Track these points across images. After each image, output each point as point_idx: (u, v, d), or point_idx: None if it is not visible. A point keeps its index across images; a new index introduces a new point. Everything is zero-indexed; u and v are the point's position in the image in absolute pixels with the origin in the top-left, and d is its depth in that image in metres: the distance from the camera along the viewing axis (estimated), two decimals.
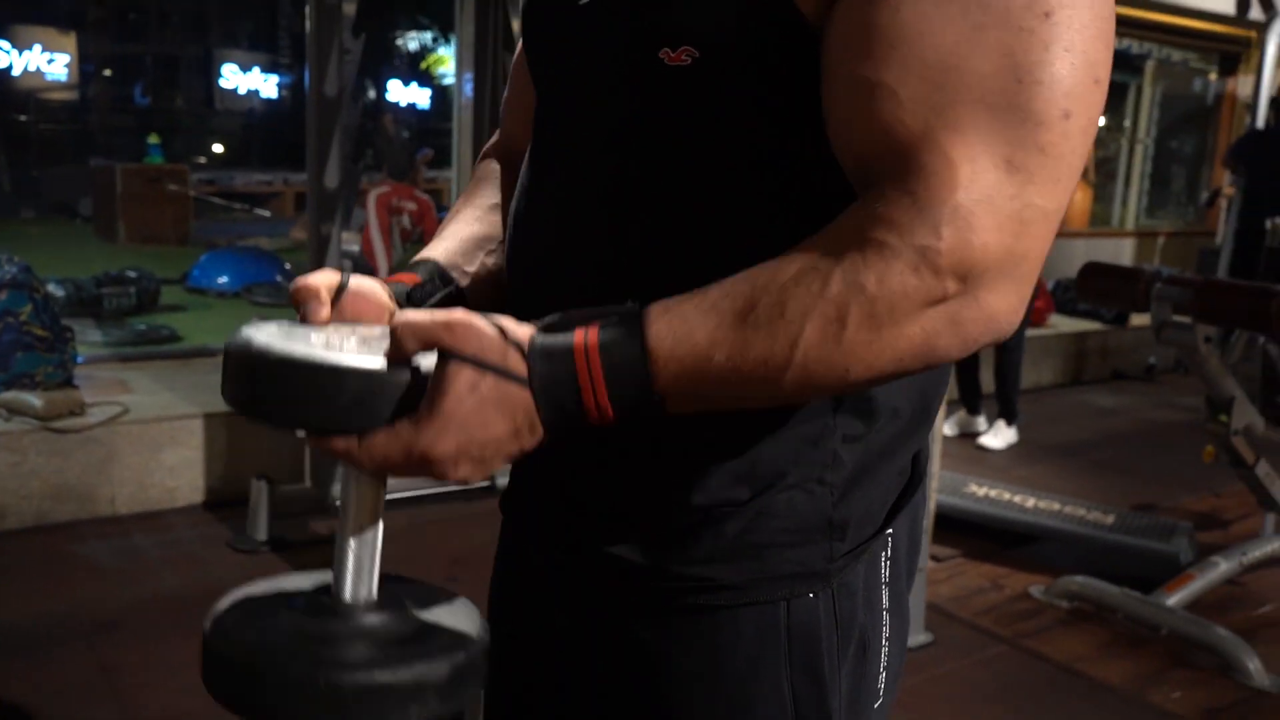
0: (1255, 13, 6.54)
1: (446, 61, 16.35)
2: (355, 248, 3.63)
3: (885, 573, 0.87)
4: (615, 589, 0.84)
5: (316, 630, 0.72)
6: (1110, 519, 3.51)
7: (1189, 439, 4.80)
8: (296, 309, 0.80)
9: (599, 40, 0.81)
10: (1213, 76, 8.19)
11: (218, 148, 14.60)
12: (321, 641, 0.72)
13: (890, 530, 0.86)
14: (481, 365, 0.67)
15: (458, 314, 0.68)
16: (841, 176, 0.70)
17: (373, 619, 0.74)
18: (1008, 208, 0.64)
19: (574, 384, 0.68)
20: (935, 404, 0.87)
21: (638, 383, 0.68)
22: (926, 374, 0.84)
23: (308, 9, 3.29)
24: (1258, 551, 3.31)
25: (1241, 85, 7.41)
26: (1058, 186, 0.66)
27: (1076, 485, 4.30)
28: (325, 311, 0.79)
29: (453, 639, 0.75)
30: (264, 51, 14.62)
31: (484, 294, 0.96)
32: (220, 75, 13.88)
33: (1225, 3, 6.52)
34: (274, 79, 14.54)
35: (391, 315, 0.83)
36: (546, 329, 0.70)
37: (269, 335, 0.70)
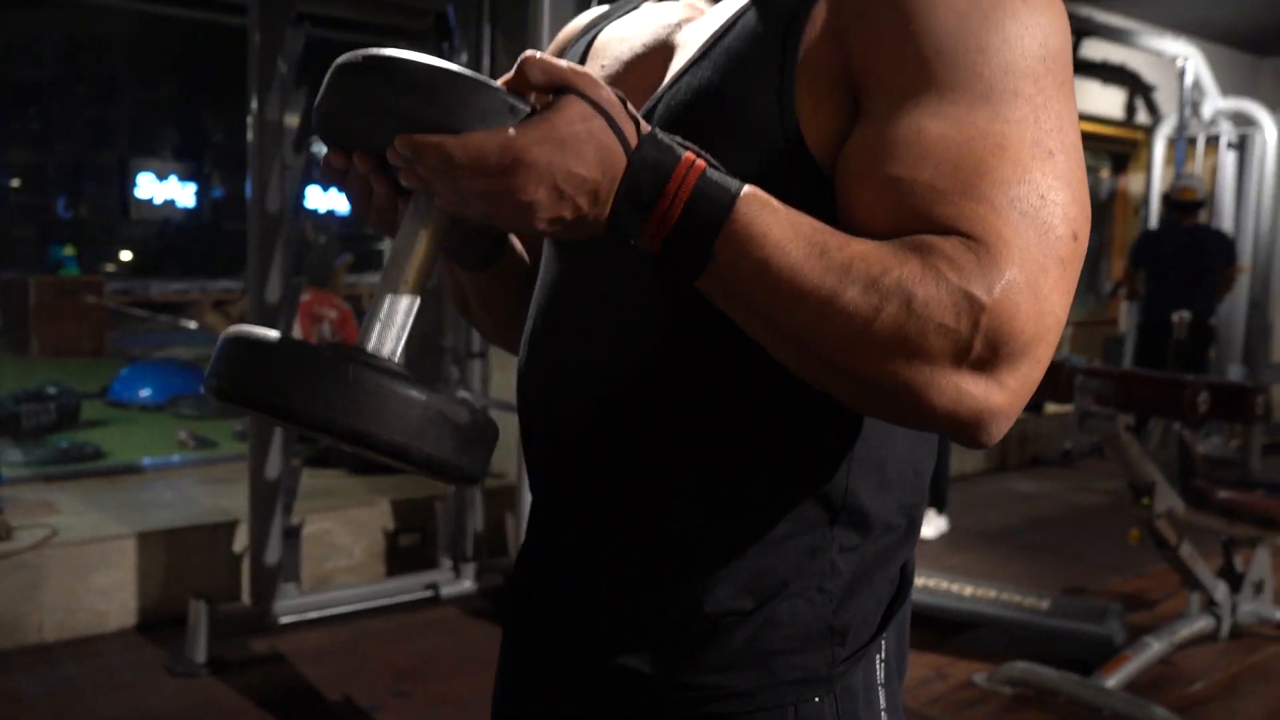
0: (1142, 116, 6.97)
1: None
2: None
3: (880, 674, 0.92)
4: (628, 700, 0.87)
5: (342, 349, 0.71)
6: (1045, 604, 3.60)
7: (1110, 521, 4.96)
8: None
9: None
10: (1105, 174, 8.66)
11: (133, 256, 14.43)
12: (347, 354, 0.70)
13: (884, 634, 0.91)
14: (599, 108, 0.70)
15: (587, 70, 0.72)
16: None
17: (397, 366, 0.73)
18: (1043, 304, 0.68)
19: (662, 182, 0.70)
20: (919, 519, 0.93)
21: (707, 225, 0.70)
22: (913, 493, 0.90)
23: (249, 122, 3.33)
24: (1186, 630, 3.43)
25: (1133, 183, 7.86)
26: (1066, 301, 0.71)
27: (1007, 570, 4.40)
28: None
29: (472, 407, 0.75)
30: (181, 160, 14.57)
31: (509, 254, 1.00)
32: (135, 184, 13.79)
33: (1114, 106, 6.96)
34: (191, 187, 14.49)
35: None
36: (664, 131, 0.73)
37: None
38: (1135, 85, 6.83)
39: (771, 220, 0.70)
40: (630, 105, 0.73)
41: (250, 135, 3.33)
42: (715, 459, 0.84)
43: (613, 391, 0.87)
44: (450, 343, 3.89)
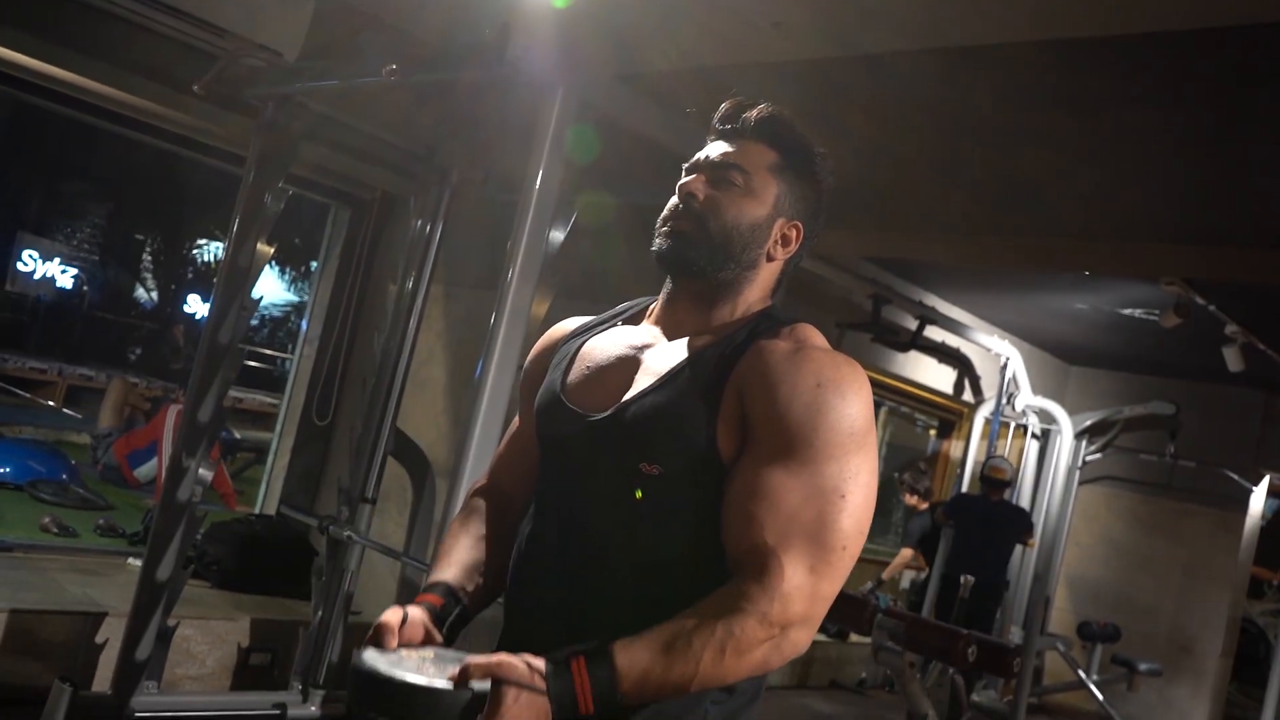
0: (967, 394, 8.00)
1: None
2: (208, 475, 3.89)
3: None
4: None
5: None
6: None
7: None
8: (377, 636, 1.31)
9: (602, 448, 1.43)
10: (933, 433, 9.68)
11: None
12: None
13: None
14: (520, 686, 1.19)
15: (504, 656, 1.21)
16: None
17: None
18: (808, 592, 1.28)
19: (572, 691, 1.20)
20: (761, 691, 1.46)
21: (609, 689, 1.22)
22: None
23: (221, 264, 3.75)
24: None
25: (954, 448, 8.85)
26: (834, 583, 1.32)
27: None
28: (395, 641, 1.32)
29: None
30: (67, 242, 14.49)
31: (477, 604, 1.51)
32: (20, 259, 13.61)
33: (946, 381, 7.97)
34: (72, 271, 14.37)
35: (428, 632, 1.37)
36: (553, 661, 1.22)
37: (377, 660, 1.23)
38: (965, 368, 7.88)
39: (637, 657, 1.22)
40: (533, 661, 1.21)
41: (218, 278, 3.76)
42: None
43: (584, 594, 1.40)
44: (345, 484, 4.26)
